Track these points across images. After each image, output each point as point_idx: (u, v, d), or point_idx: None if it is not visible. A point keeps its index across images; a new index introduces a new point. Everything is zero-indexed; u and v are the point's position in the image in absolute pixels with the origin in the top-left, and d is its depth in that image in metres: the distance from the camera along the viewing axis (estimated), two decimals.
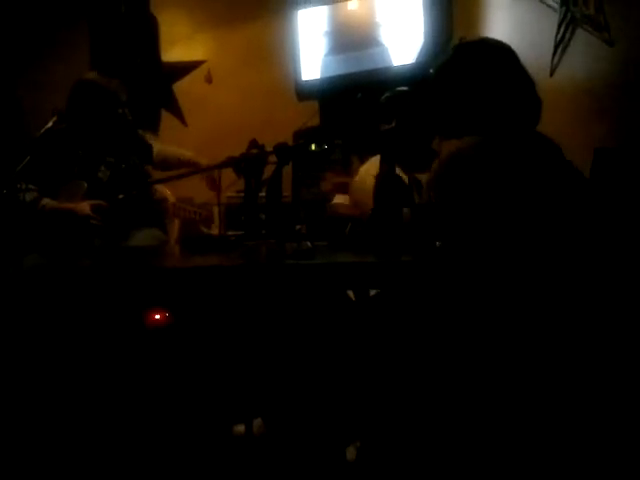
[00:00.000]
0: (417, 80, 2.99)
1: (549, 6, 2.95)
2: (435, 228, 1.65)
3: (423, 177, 2.15)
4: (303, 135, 3.11)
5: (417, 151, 2.33)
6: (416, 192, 1.97)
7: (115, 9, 3.92)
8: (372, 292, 2.08)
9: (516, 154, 1.48)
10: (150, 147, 2.64)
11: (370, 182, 2.35)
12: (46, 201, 2.41)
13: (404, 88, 2.46)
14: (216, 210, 2.47)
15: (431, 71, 1.68)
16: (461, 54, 1.61)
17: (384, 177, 1.92)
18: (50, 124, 2.29)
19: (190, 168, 2.61)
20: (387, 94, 2.41)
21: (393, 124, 2.06)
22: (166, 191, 2.75)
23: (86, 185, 2.48)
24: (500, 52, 1.58)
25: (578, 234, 1.46)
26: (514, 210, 1.43)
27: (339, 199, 2.65)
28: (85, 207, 2.39)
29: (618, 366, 1.38)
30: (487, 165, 1.46)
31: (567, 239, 1.44)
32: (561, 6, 2.91)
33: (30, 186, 2.35)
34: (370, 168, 2.56)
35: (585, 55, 2.88)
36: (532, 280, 1.40)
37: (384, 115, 2.36)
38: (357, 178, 2.59)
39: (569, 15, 2.90)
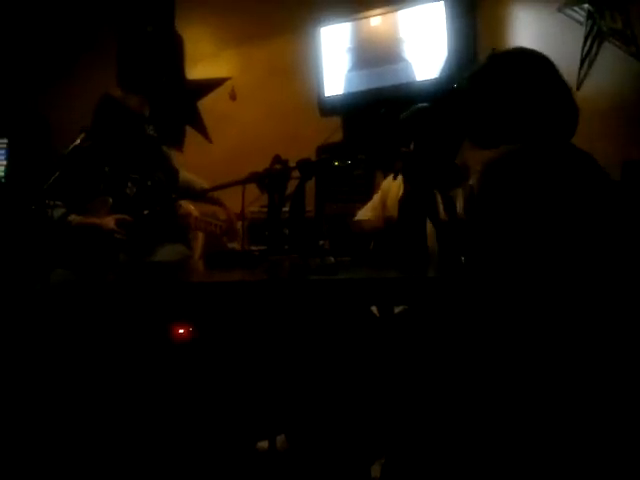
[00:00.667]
0: (439, 95, 2.99)
1: (575, 20, 2.93)
2: (462, 243, 1.63)
3: (456, 191, 2.14)
4: (326, 150, 3.12)
5: (441, 167, 2.31)
6: (446, 209, 1.95)
7: (141, 28, 3.99)
8: (397, 309, 2.06)
9: (556, 164, 1.44)
10: (176, 172, 2.66)
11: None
12: (72, 217, 2.45)
13: (423, 105, 2.44)
14: (239, 225, 2.48)
15: (463, 80, 1.65)
16: (497, 62, 1.58)
17: (407, 196, 1.91)
18: (78, 141, 2.33)
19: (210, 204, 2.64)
20: (405, 113, 2.40)
21: (412, 146, 2.05)
22: (190, 206, 2.78)
23: (111, 201, 2.51)
24: (537, 60, 1.56)
25: (617, 249, 1.42)
26: (554, 223, 1.39)
27: (362, 214, 2.64)
28: (110, 222, 2.42)
29: None
30: (532, 174, 1.41)
31: (606, 254, 1.40)
32: (587, 19, 2.89)
33: (57, 202, 2.39)
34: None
35: (612, 69, 2.85)
36: (568, 296, 1.36)
37: (403, 134, 2.35)
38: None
39: (595, 29, 2.87)
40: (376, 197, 2.63)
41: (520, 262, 1.40)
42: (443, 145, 2.29)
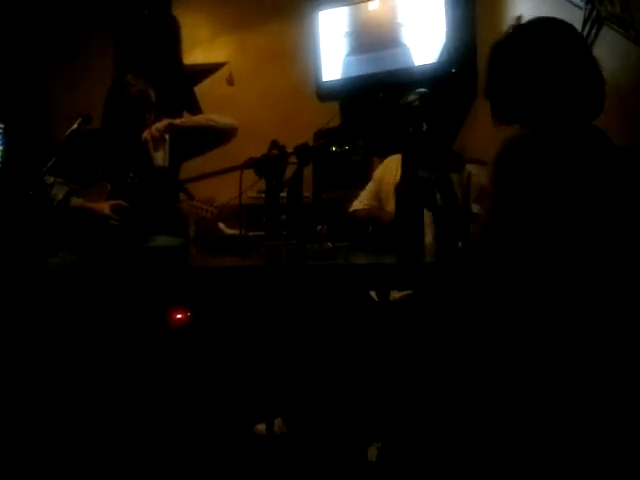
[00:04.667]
0: (438, 80, 2.98)
1: (574, 4, 2.91)
2: (460, 229, 1.63)
3: (453, 177, 2.14)
4: (324, 136, 3.11)
5: (440, 152, 2.32)
6: (440, 191, 1.95)
7: (138, 12, 3.96)
8: (397, 294, 2.07)
9: (575, 149, 1.36)
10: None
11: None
12: (72, 198, 2.45)
13: (423, 90, 2.44)
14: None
15: (491, 49, 1.50)
16: (524, 32, 1.46)
17: (406, 179, 1.91)
18: (75, 126, 2.32)
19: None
20: (408, 97, 2.40)
21: (417, 127, 2.04)
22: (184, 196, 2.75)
23: (110, 187, 2.50)
24: (567, 31, 1.45)
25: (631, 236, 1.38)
26: (569, 210, 1.33)
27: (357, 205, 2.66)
28: (105, 207, 2.41)
29: None
30: (548, 159, 1.34)
31: (620, 241, 1.36)
32: (586, 4, 2.87)
33: (58, 180, 2.37)
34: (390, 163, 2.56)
35: (611, 54, 2.84)
36: (582, 287, 1.31)
37: (406, 117, 2.35)
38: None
39: (594, 13, 2.85)
40: (369, 186, 2.64)
41: (533, 250, 1.35)
42: (441, 130, 2.29)
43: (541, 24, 1.47)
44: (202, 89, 3.98)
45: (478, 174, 2.19)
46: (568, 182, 1.34)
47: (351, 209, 2.64)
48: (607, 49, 2.86)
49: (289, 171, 1.92)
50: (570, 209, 1.34)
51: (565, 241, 1.34)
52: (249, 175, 1.99)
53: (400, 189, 1.81)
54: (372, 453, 1.98)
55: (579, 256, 1.33)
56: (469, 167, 2.27)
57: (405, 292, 2.04)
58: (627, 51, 2.81)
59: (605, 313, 1.31)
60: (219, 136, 2.62)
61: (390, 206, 2.44)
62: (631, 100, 2.77)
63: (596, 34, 2.86)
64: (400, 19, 3.24)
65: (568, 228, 1.34)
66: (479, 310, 1.46)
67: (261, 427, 2.17)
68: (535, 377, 1.34)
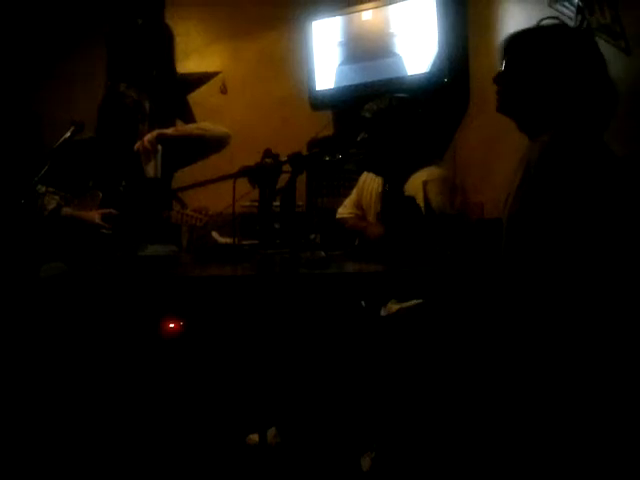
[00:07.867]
0: (431, 89, 2.99)
1: (565, 15, 2.93)
2: (451, 236, 1.63)
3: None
4: (317, 145, 3.12)
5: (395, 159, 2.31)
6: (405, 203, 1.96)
7: (131, 21, 3.96)
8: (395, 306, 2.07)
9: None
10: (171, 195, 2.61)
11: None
12: (64, 208, 2.44)
13: (389, 97, 2.44)
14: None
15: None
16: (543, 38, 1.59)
17: (387, 191, 1.92)
18: (68, 134, 2.31)
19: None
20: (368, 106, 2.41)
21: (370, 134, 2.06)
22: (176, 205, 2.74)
23: (101, 195, 2.50)
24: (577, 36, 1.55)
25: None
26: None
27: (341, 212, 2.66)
28: (95, 216, 2.40)
29: None
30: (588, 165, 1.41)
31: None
32: (577, 15, 2.89)
33: (50, 189, 2.37)
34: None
35: None
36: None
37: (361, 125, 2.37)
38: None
39: (585, 24, 2.88)
40: (353, 193, 2.65)
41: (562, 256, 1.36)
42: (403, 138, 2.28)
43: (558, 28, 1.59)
44: (195, 98, 3.99)
45: (433, 179, 2.20)
46: (596, 190, 1.38)
47: (338, 215, 2.66)
48: None
49: (282, 180, 1.92)
50: (595, 215, 1.36)
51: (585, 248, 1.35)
52: (242, 184, 1.99)
53: (385, 202, 1.82)
54: (365, 463, 1.98)
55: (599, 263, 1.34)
56: (423, 172, 2.25)
57: (403, 305, 2.04)
58: (617, 61, 2.83)
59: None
60: (211, 145, 2.62)
61: (371, 216, 2.45)
62: (621, 109, 2.79)
63: None
64: (393, 29, 3.26)
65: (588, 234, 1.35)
66: (484, 313, 1.46)
67: (254, 437, 2.16)
68: (531, 389, 1.34)
